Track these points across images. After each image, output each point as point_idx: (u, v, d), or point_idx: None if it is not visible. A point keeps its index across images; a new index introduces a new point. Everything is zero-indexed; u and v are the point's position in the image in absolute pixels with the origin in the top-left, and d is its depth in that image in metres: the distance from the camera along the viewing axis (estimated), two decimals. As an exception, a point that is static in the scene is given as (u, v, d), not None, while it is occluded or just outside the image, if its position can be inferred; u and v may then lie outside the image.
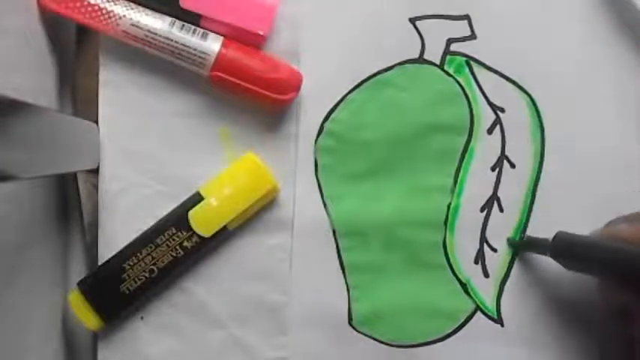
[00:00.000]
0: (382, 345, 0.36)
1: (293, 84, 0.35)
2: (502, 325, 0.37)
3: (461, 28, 0.37)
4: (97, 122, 0.36)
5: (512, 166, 0.37)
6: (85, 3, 0.33)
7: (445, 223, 0.37)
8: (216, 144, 0.36)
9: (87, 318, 0.34)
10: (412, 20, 0.37)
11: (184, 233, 0.34)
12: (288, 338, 0.36)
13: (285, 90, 0.34)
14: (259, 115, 0.36)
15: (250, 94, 0.34)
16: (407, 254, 0.36)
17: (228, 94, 0.35)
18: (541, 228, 0.36)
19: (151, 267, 0.34)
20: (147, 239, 0.34)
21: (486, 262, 0.37)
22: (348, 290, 0.37)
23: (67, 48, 0.37)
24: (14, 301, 0.31)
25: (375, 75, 0.37)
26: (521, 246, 0.36)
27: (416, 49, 0.37)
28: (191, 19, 0.34)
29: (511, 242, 0.36)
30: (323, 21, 0.36)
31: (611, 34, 0.37)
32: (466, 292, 0.37)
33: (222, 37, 0.34)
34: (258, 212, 0.36)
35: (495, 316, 0.37)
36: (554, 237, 0.33)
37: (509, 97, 0.37)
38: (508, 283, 0.37)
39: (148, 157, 0.36)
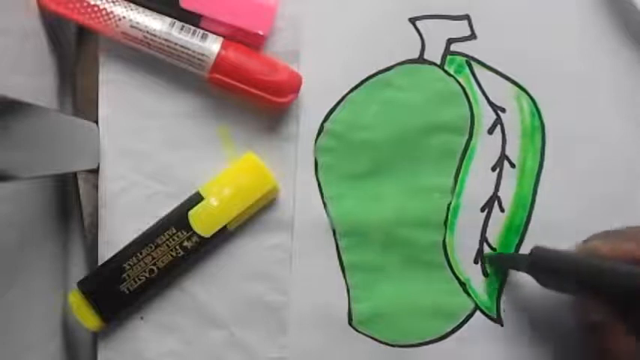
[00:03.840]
0: (382, 345, 0.36)
1: (292, 86, 0.35)
2: (502, 325, 0.37)
3: (461, 28, 0.37)
4: (97, 122, 0.36)
5: (512, 166, 0.37)
6: (85, 4, 0.33)
7: (445, 222, 0.37)
8: (216, 144, 0.36)
9: (87, 318, 0.34)
10: (412, 20, 0.37)
11: (184, 233, 0.34)
12: (288, 338, 0.36)
13: (284, 92, 0.34)
14: (259, 115, 0.36)
15: (249, 96, 0.34)
16: (407, 254, 0.36)
17: (228, 95, 0.35)
18: (541, 228, 0.36)
19: (151, 267, 0.34)
20: (147, 239, 0.34)
21: (486, 262, 0.37)
22: (348, 290, 0.37)
23: (67, 48, 0.37)
24: (14, 301, 0.31)
25: (375, 75, 0.37)
26: (499, 262, 0.36)
27: (416, 49, 0.37)
28: (191, 19, 0.34)
29: (488, 258, 0.36)
30: (323, 21, 0.36)
31: (611, 35, 0.37)
32: (466, 291, 0.37)
33: (221, 39, 0.34)
34: (258, 212, 0.36)
35: (495, 316, 0.37)
36: (531, 252, 0.33)
37: (509, 97, 0.37)
38: (508, 283, 0.37)
39: (148, 157, 0.36)
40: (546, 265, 0.32)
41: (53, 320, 0.35)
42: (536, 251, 0.33)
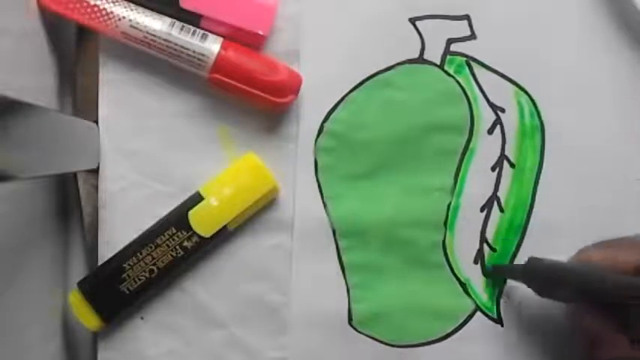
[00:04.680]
0: (382, 345, 0.36)
1: (292, 86, 0.35)
2: (502, 325, 0.37)
3: (461, 28, 0.37)
4: (97, 122, 0.36)
5: (512, 166, 0.37)
6: (85, 4, 0.33)
7: (445, 222, 0.37)
8: (216, 144, 0.36)
9: (87, 318, 0.34)
10: (412, 20, 0.37)
11: (184, 233, 0.34)
12: (288, 338, 0.36)
13: (284, 93, 0.34)
14: (259, 115, 0.36)
15: (249, 96, 0.34)
16: (407, 254, 0.36)
17: (228, 95, 0.35)
18: (541, 228, 0.36)
19: (151, 267, 0.34)
20: (147, 239, 0.34)
21: (486, 262, 0.37)
22: (348, 290, 0.37)
23: (67, 48, 0.37)
24: (14, 301, 0.31)
25: (375, 75, 0.37)
26: (495, 273, 0.37)
27: (416, 49, 0.37)
28: (191, 19, 0.34)
29: (487, 271, 0.37)
30: (323, 21, 0.36)
31: (611, 34, 0.37)
32: (466, 291, 0.37)
33: (221, 39, 0.34)
34: (258, 212, 0.36)
35: (495, 316, 0.37)
36: (526, 263, 0.33)
37: (509, 97, 0.37)
38: (508, 283, 0.37)
39: (148, 157, 0.36)
40: (541, 275, 0.32)
41: (53, 320, 0.35)
42: (531, 261, 0.33)
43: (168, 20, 0.34)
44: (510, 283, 0.37)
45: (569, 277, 0.31)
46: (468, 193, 0.37)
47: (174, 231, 0.34)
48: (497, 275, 0.37)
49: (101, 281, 0.35)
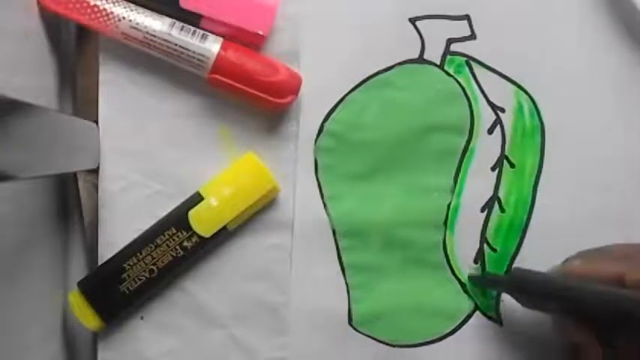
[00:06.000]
0: (382, 345, 0.36)
1: (292, 87, 0.35)
2: (501, 325, 0.37)
3: (461, 28, 0.37)
4: (97, 122, 0.36)
5: (512, 166, 0.37)
6: (85, 4, 0.33)
7: (445, 222, 0.37)
8: (216, 144, 0.36)
9: (87, 318, 0.34)
10: (412, 20, 0.37)
11: (184, 233, 0.34)
12: (288, 338, 0.36)
13: (284, 93, 0.34)
14: (259, 115, 0.36)
15: (249, 96, 0.34)
16: (407, 254, 0.36)
17: (228, 95, 0.35)
18: (541, 228, 0.36)
19: (151, 267, 0.34)
20: (147, 239, 0.34)
21: (486, 262, 0.37)
22: (347, 290, 0.37)
23: (67, 48, 0.37)
24: (15, 301, 0.31)
25: (375, 75, 0.37)
26: (481, 283, 0.37)
27: (416, 49, 0.37)
28: (191, 19, 0.34)
29: (471, 278, 0.37)
30: (323, 21, 0.36)
31: (611, 34, 0.37)
32: (465, 291, 0.37)
33: (221, 39, 0.34)
34: (258, 212, 0.36)
35: (495, 316, 0.37)
36: (509, 273, 0.34)
37: (508, 97, 0.37)
38: (508, 283, 0.37)
39: (148, 157, 0.36)
40: (525, 287, 0.32)
41: (53, 320, 0.35)
42: (516, 272, 0.33)
43: (168, 20, 0.34)
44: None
45: (552, 291, 0.31)
46: (468, 193, 0.37)
47: (174, 231, 0.34)
48: (478, 285, 0.37)
49: (101, 281, 0.35)
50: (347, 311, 0.37)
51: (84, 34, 0.38)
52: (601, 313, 0.30)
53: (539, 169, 0.37)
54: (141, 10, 0.34)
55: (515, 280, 0.33)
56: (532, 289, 0.32)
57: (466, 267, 0.37)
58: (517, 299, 0.33)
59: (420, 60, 0.37)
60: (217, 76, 0.34)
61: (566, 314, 0.32)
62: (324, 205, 0.37)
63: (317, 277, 0.36)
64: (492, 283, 0.36)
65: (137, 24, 0.33)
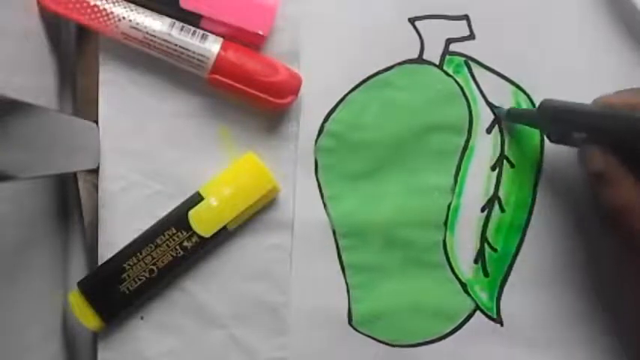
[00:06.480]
0: (382, 345, 0.37)
1: (292, 87, 0.35)
2: (502, 325, 0.37)
3: (460, 28, 0.37)
4: (97, 122, 0.36)
5: (512, 165, 0.37)
6: (85, 4, 0.33)
7: (445, 222, 0.37)
8: (216, 144, 0.36)
9: (87, 318, 0.34)
10: (412, 20, 0.37)
11: (184, 233, 0.34)
12: (288, 338, 0.36)
13: (284, 93, 0.34)
14: (259, 115, 0.36)
15: (249, 96, 0.34)
16: (407, 254, 0.37)
17: (228, 95, 0.35)
18: (541, 228, 0.36)
19: (151, 267, 0.34)
20: (147, 239, 0.35)
21: (486, 262, 0.37)
22: (347, 290, 0.37)
23: (67, 48, 0.37)
24: (15, 301, 0.31)
25: (374, 75, 0.37)
26: (511, 118, 0.36)
27: (415, 49, 0.37)
28: (191, 19, 0.34)
29: (498, 113, 0.36)
30: (323, 21, 0.36)
31: (611, 34, 0.37)
32: (466, 291, 0.37)
33: (221, 39, 0.34)
34: (258, 212, 0.36)
35: (495, 316, 0.37)
36: (540, 104, 0.33)
37: (507, 97, 0.37)
38: (508, 283, 0.37)
39: (148, 157, 0.36)
40: (555, 114, 0.32)
41: (53, 320, 0.35)
42: (545, 103, 0.33)
43: (168, 20, 0.34)
44: (510, 283, 0.37)
45: (582, 117, 0.31)
46: (469, 193, 0.37)
47: (174, 231, 0.34)
48: (513, 120, 0.36)
49: (101, 281, 0.35)
50: (347, 311, 0.37)
51: (84, 34, 0.38)
52: (633, 139, 0.29)
53: (539, 168, 0.37)
54: (141, 10, 0.34)
55: (546, 108, 0.32)
56: (561, 117, 0.32)
57: (466, 267, 0.37)
58: (545, 130, 0.33)
59: (420, 60, 0.37)
60: (217, 76, 0.34)
61: (596, 138, 0.31)
62: (324, 205, 0.37)
63: (317, 277, 0.36)
64: (523, 117, 0.35)
65: (137, 24, 0.33)
